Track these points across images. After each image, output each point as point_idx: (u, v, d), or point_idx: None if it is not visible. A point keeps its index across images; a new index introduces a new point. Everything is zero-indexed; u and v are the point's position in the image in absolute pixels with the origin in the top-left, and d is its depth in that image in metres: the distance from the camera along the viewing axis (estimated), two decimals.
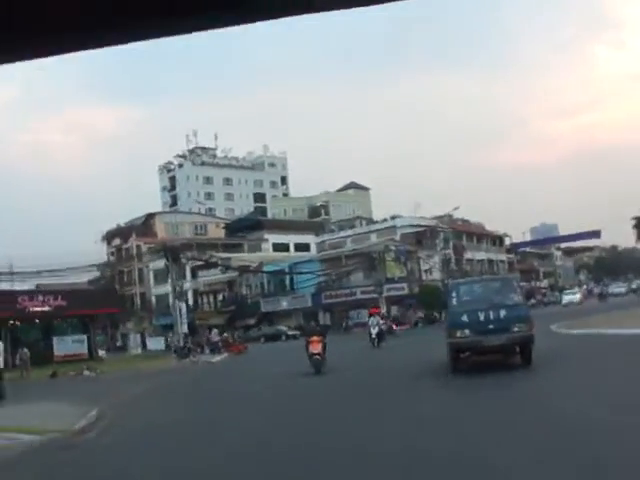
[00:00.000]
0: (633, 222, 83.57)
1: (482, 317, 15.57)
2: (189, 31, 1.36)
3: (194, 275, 73.91)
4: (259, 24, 1.31)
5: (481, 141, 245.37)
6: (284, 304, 69.73)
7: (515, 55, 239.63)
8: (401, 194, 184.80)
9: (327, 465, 8.07)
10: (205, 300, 76.96)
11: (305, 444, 9.48)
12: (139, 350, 57.60)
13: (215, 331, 47.03)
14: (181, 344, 39.94)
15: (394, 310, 64.45)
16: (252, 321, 68.91)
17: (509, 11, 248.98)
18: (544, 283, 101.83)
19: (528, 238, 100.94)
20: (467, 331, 15.62)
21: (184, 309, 45.72)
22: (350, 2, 1.36)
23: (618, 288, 76.68)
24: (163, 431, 12.41)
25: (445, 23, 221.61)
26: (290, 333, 58.41)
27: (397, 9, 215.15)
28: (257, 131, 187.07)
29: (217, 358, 36.54)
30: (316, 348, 19.98)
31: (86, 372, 33.28)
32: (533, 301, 70.29)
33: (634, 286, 74.46)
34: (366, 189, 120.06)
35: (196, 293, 76.04)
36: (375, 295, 63.27)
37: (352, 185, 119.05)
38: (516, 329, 15.41)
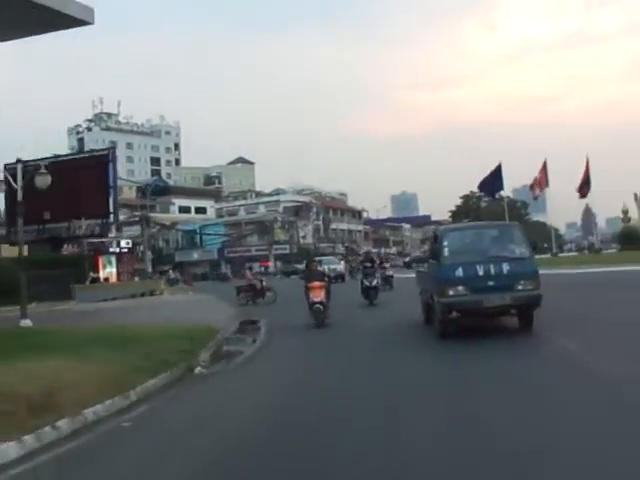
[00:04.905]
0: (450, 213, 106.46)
1: (481, 272, 12.84)
2: None
3: (118, 230, 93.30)
4: None
5: (343, 109, 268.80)
6: (195, 256, 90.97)
7: (381, 22, 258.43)
8: (280, 165, 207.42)
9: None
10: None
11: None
12: None
13: (171, 271, 68.95)
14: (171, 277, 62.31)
15: (279, 264, 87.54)
16: (167, 268, 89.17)
17: None
18: (393, 250, 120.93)
19: (389, 205, 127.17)
20: (462, 288, 12.81)
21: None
22: None
23: None
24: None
25: None
26: None
27: None
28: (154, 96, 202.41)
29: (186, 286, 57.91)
30: (318, 296, 17.65)
31: None
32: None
33: None
34: (251, 163, 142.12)
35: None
36: (266, 252, 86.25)
37: (240, 160, 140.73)
38: (521, 287, 12.75)
